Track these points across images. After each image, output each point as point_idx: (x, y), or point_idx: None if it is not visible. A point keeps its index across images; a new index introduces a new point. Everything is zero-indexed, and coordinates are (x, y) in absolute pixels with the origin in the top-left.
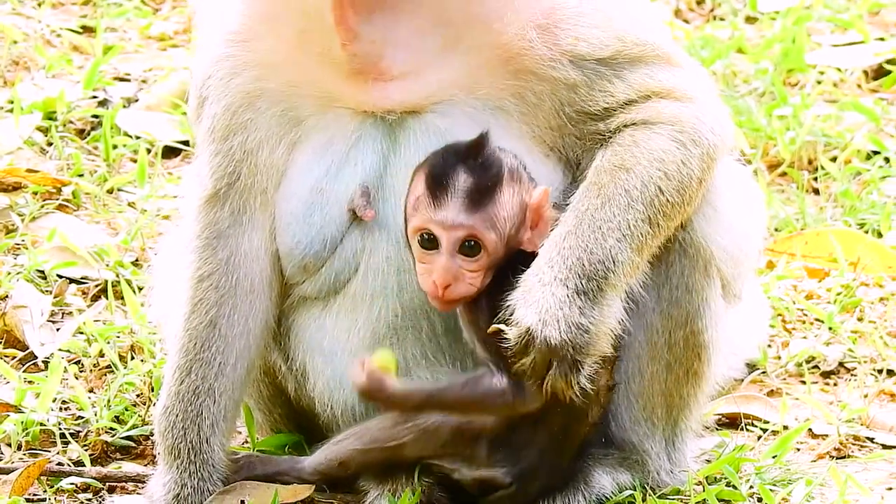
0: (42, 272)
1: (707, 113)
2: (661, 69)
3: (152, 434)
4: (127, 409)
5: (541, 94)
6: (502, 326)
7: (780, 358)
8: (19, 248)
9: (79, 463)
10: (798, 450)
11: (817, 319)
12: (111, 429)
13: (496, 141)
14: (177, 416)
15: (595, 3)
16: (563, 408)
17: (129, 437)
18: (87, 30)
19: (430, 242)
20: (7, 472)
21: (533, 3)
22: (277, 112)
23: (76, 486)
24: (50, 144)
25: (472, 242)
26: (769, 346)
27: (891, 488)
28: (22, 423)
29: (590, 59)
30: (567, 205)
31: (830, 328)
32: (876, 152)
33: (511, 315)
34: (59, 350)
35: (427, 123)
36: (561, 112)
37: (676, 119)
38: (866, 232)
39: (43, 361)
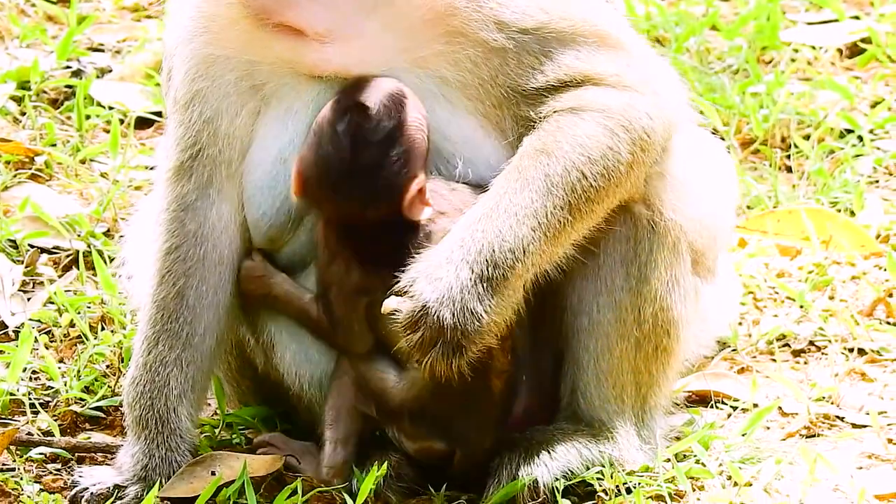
0: (13, 241)
1: (642, 98)
2: (593, 51)
3: (122, 405)
4: (97, 380)
5: (475, 61)
6: (395, 302)
7: (750, 336)
8: None
9: (48, 433)
10: (768, 428)
11: (788, 297)
12: (81, 399)
13: (444, 118)
14: (144, 386)
15: None
16: (462, 380)
17: (98, 408)
18: (62, 0)
19: None
20: None
21: None
22: (232, 79)
23: (45, 455)
24: (23, 114)
25: None
26: (740, 323)
27: (861, 467)
28: None
29: (514, 28)
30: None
31: (801, 306)
32: (849, 130)
33: (410, 287)
34: (30, 320)
35: None
36: (495, 83)
37: (606, 106)
38: (839, 210)
39: (13, 331)
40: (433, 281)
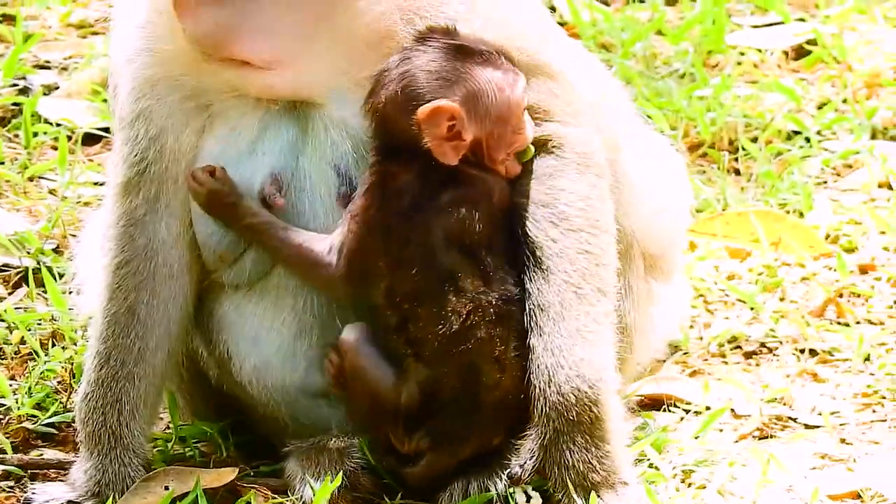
0: None
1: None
2: (542, 86)
3: (74, 421)
4: (48, 397)
5: None
6: None
7: (702, 338)
8: None
9: (0, 451)
10: (721, 430)
11: (739, 300)
12: (33, 416)
13: None
14: (97, 402)
15: None
16: (468, 378)
17: (50, 425)
18: (7, 18)
19: None
20: None
21: None
22: (177, 98)
23: None
24: None
25: None
26: (691, 326)
27: (814, 467)
28: None
29: None
30: None
31: (752, 308)
32: (796, 132)
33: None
34: None
35: (328, 115)
36: None
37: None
38: (787, 212)
39: None
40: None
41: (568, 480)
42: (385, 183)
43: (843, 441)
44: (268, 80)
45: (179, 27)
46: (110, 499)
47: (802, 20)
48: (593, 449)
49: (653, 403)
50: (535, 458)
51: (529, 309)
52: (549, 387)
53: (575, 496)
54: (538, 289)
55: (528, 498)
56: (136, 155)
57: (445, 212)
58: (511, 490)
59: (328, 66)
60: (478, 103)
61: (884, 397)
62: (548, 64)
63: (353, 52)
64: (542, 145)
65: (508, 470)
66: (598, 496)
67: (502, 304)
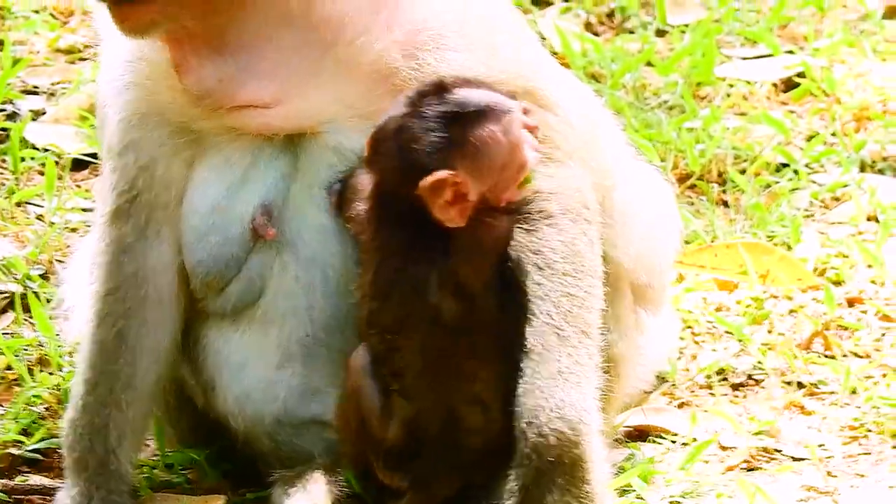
0: None
1: (579, 173)
2: (540, 117)
3: (60, 447)
4: (35, 422)
5: None
6: None
7: (689, 370)
8: None
9: None
10: (707, 462)
11: (727, 332)
12: (19, 441)
13: None
14: (84, 428)
15: (461, 28)
16: (449, 420)
17: (36, 450)
18: None
19: None
20: None
21: (395, 24)
22: (167, 131)
23: None
24: None
25: None
26: (679, 358)
27: (801, 500)
28: None
29: None
30: None
31: (740, 340)
32: (785, 165)
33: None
34: None
35: (323, 143)
36: None
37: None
38: (776, 244)
39: None
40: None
41: None
42: (382, 215)
43: (829, 474)
44: (266, 119)
45: (177, 83)
46: None
47: (792, 53)
48: (574, 490)
49: (640, 434)
50: (515, 499)
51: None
52: (530, 428)
53: None
54: (522, 331)
55: None
56: (126, 184)
57: (441, 255)
58: None
59: (328, 100)
60: (479, 162)
61: (870, 430)
62: (544, 97)
63: (353, 87)
64: (536, 190)
65: None
66: None
67: (487, 345)
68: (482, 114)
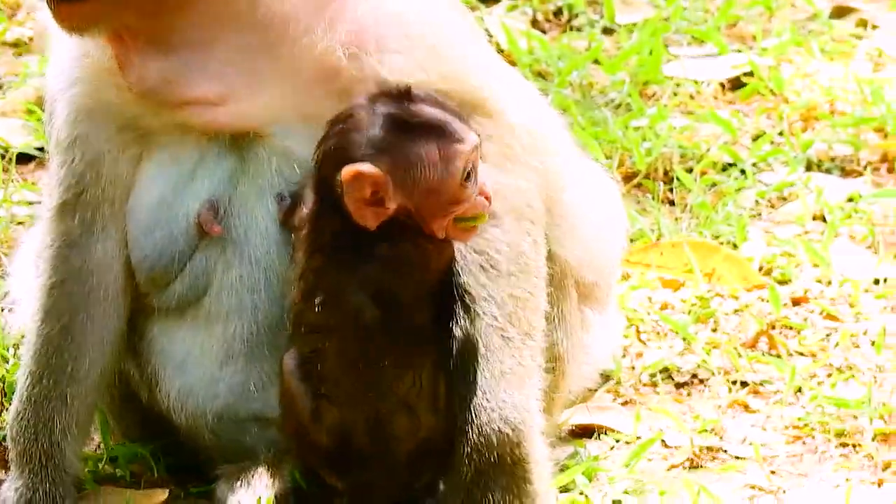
0: None
1: (527, 176)
2: (481, 128)
3: (4, 439)
4: None
5: None
6: None
7: (634, 368)
8: None
9: None
10: (651, 460)
11: (672, 330)
12: None
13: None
14: (28, 421)
15: (404, 29)
16: (379, 427)
17: None
18: None
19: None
20: None
21: (339, 24)
22: (114, 126)
23: None
24: None
25: None
26: (623, 356)
27: (744, 499)
28: None
29: None
30: None
31: (684, 339)
32: (732, 164)
33: None
34: None
35: (270, 145)
36: None
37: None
38: (721, 243)
39: None
40: None
41: None
42: (319, 215)
43: (773, 472)
44: (213, 116)
45: (122, 80)
46: None
47: (739, 52)
48: (515, 489)
49: (584, 432)
50: (457, 499)
51: (456, 351)
52: (471, 428)
53: None
54: (464, 332)
55: None
56: (72, 178)
57: (370, 261)
58: None
59: (274, 100)
60: (405, 175)
61: (814, 429)
62: (488, 102)
63: (298, 87)
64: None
65: None
66: None
67: (417, 351)
68: (429, 130)
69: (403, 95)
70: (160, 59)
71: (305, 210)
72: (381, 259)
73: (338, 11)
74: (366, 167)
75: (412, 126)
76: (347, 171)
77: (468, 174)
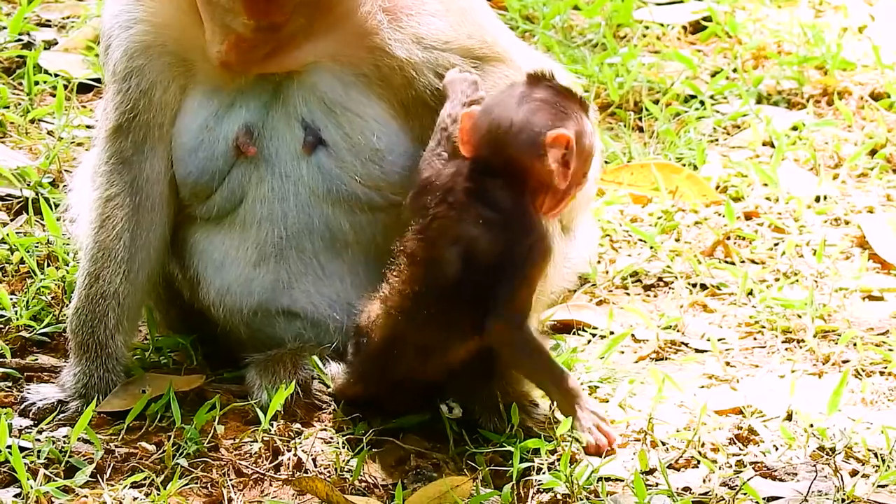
0: None
1: None
2: (493, 69)
3: (65, 331)
4: (43, 310)
5: (392, 67)
6: None
7: (608, 272)
8: None
9: (1, 355)
10: (622, 352)
11: (640, 240)
12: (29, 326)
13: (357, 99)
14: (86, 316)
15: None
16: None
17: (45, 334)
18: None
19: None
20: None
21: None
22: (167, 61)
23: None
24: None
25: None
26: (598, 262)
27: (702, 386)
28: None
29: (428, 42)
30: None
31: (651, 247)
32: (693, 96)
33: None
34: None
35: (300, 80)
36: (410, 89)
37: None
38: (684, 165)
39: None
40: None
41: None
42: (466, 174)
43: (728, 364)
44: (264, 65)
45: (189, 25)
46: (95, 399)
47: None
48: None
49: (564, 328)
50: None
51: None
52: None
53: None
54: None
55: (451, 409)
56: (127, 104)
57: (478, 225)
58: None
59: (317, 49)
60: (582, 140)
61: (763, 327)
62: (501, 52)
63: (338, 40)
64: None
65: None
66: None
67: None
68: (583, 107)
69: (553, 78)
70: (262, 49)
71: (440, 166)
72: (489, 223)
73: None
74: (564, 131)
75: (579, 101)
76: (552, 133)
77: None
